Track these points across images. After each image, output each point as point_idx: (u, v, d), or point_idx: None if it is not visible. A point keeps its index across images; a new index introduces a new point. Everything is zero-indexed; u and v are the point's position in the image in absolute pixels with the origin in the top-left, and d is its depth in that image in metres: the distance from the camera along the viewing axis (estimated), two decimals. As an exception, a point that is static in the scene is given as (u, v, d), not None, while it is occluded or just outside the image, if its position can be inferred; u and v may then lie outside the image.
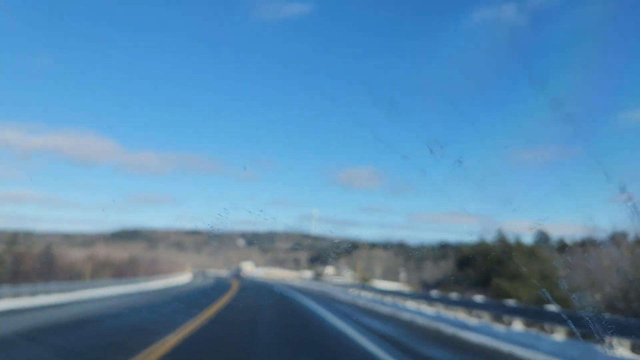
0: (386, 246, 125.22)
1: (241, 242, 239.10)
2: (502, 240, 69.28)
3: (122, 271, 55.93)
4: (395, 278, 75.53)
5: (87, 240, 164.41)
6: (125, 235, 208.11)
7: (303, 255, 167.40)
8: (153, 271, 65.06)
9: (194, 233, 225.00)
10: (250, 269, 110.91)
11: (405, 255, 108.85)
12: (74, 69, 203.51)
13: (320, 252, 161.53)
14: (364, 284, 31.35)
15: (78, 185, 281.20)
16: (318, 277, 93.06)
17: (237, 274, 76.95)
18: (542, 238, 66.17)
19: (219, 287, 34.62)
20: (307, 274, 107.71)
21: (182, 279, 52.82)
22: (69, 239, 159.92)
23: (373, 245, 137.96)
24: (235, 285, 34.15)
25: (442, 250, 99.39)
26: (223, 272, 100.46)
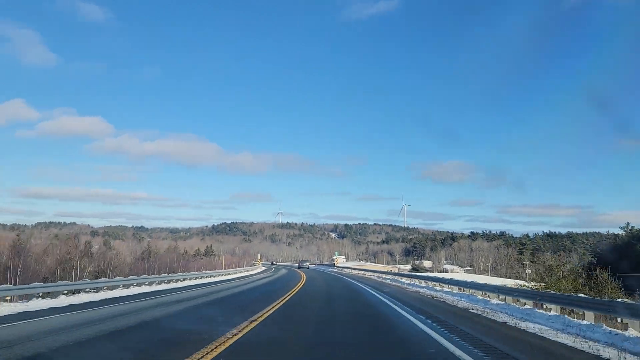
0: (488, 237, 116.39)
1: (333, 235, 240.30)
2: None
3: (173, 266, 56.54)
4: (511, 273, 65.98)
5: (187, 235, 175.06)
6: (223, 229, 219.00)
7: (397, 248, 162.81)
8: (204, 266, 66.44)
9: (287, 227, 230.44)
10: (341, 262, 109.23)
11: (518, 247, 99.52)
12: (179, 78, 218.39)
13: (416, 244, 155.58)
14: (558, 295, 15.22)
15: (185, 185, 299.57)
16: (416, 270, 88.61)
17: (302, 265, 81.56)
18: None
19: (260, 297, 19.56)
20: (404, 267, 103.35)
21: (239, 275, 47.38)
22: (174, 233, 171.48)
23: (473, 237, 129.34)
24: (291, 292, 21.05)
25: (555, 241, 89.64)
26: (312, 264, 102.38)
